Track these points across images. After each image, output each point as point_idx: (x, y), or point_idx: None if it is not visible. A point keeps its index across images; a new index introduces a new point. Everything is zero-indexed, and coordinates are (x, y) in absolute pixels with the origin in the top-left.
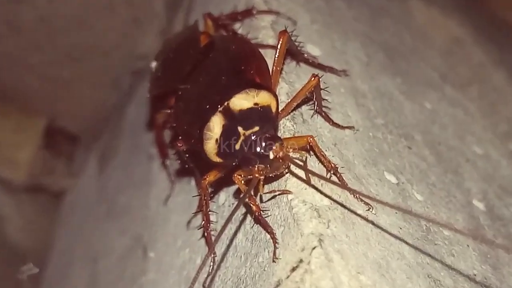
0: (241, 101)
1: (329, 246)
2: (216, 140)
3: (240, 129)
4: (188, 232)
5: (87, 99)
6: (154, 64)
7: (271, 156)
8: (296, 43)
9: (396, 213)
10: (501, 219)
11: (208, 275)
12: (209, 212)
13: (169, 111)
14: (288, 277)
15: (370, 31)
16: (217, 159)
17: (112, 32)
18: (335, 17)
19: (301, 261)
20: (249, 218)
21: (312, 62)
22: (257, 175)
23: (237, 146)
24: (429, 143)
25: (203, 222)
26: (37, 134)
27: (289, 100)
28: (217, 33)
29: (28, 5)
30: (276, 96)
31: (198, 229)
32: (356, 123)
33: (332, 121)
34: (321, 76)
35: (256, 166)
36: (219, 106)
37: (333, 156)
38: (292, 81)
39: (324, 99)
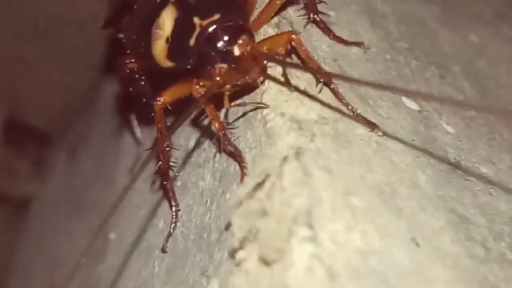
0: None
1: (310, 161)
2: (167, 38)
3: (195, 19)
4: (153, 196)
5: (56, 85)
6: None
7: (236, 52)
8: None
9: (413, 140)
10: None
11: (168, 236)
12: (168, 149)
13: None
14: (250, 196)
15: None
16: (168, 63)
17: None
18: None
19: (268, 175)
20: (217, 151)
21: None
22: (218, 78)
23: (192, 42)
24: (470, 75)
25: (160, 163)
26: None
27: None
28: None
29: None
30: None
31: (154, 174)
32: (369, 42)
33: (333, 33)
34: None
35: (217, 66)
36: None
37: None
38: None
39: (320, 1)
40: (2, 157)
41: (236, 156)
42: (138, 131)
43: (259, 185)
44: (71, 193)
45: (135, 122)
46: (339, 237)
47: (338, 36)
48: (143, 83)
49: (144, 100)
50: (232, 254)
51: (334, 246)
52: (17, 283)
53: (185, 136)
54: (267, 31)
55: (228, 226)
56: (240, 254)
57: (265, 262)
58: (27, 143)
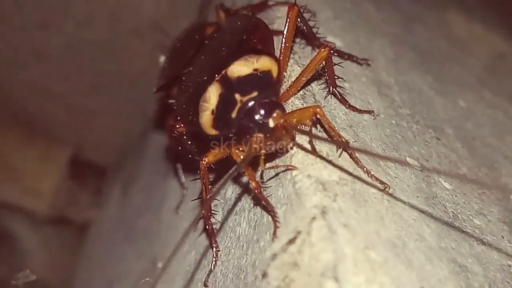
0: (240, 68)
1: (334, 219)
2: (212, 111)
3: (237, 96)
4: (195, 234)
5: (113, 129)
6: (162, 59)
7: (271, 124)
8: (311, 23)
9: (418, 197)
10: None
11: (209, 272)
12: (211, 200)
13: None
14: (284, 250)
15: (401, 34)
16: (213, 132)
17: (139, 58)
18: (362, 17)
19: (299, 232)
20: (253, 205)
21: None
22: (255, 146)
23: (234, 114)
24: (461, 137)
25: (203, 211)
26: (62, 164)
27: (297, 76)
28: None
29: (55, 32)
30: (278, 61)
31: (199, 220)
32: (377, 110)
33: (349, 103)
34: (334, 47)
35: (255, 136)
36: (216, 76)
37: (347, 138)
38: (305, 64)
39: (338, 77)
40: (68, 188)
41: (269, 210)
42: (183, 177)
43: (291, 241)
44: (124, 221)
45: (180, 171)
46: None
47: (352, 106)
48: (190, 143)
49: (190, 156)
50: None
51: None
52: None
53: None
54: (294, 102)
55: (264, 275)
56: None
57: None
58: (88, 177)
